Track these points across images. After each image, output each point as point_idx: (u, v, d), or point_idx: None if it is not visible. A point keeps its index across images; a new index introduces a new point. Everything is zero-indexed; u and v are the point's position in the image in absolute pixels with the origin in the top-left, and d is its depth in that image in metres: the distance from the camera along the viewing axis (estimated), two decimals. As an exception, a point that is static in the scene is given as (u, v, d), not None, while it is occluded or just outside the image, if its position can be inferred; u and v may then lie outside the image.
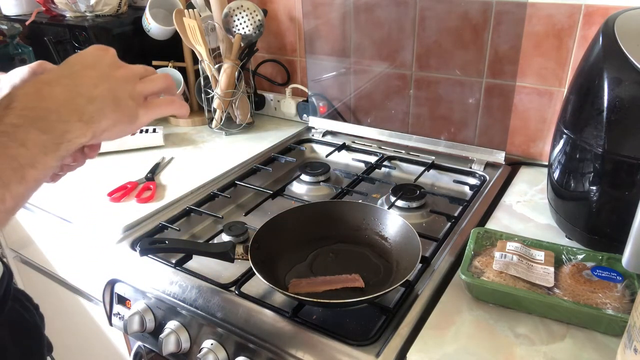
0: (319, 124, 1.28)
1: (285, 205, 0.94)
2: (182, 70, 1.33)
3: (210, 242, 0.86)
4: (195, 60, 1.30)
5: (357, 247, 0.80)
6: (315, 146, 1.24)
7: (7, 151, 0.38)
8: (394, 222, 0.81)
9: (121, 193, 0.99)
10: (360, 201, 0.91)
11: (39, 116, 0.40)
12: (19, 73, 0.59)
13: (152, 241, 0.76)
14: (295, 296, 0.67)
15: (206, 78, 1.27)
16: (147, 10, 1.24)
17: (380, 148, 1.18)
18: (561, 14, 0.93)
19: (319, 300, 0.67)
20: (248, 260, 0.72)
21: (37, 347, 0.69)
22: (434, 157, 1.10)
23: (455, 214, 0.90)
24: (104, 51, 0.50)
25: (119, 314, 0.83)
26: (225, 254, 0.74)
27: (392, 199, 0.94)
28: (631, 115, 0.64)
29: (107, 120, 0.46)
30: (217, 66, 1.23)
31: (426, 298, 0.69)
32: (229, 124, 1.29)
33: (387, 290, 0.65)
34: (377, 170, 1.10)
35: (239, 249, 0.74)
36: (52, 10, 1.32)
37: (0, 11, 1.42)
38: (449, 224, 0.88)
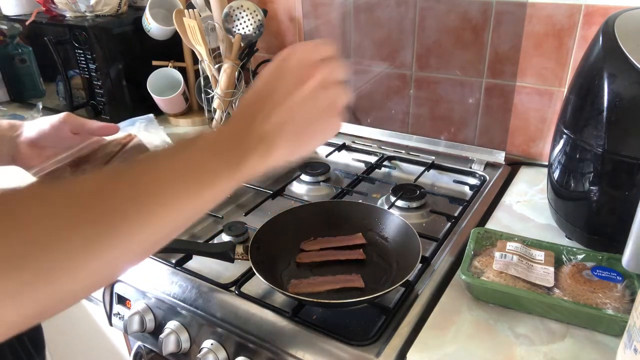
0: (319, 124, 1.27)
1: (285, 205, 0.94)
2: (182, 70, 1.33)
3: (210, 242, 0.86)
4: (195, 60, 1.30)
5: (357, 247, 0.79)
6: (315, 146, 1.24)
7: (189, 167, 0.42)
8: (394, 222, 0.81)
9: (121, 193, 0.98)
10: (360, 201, 0.91)
11: (216, 150, 0.43)
12: (48, 120, 0.65)
13: (152, 241, 0.76)
14: (295, 296, 0.67)
15: (206, 78, 1.27)
16: (147, 10, 1.24)
17: (380, 148, 1.18)
18: (561, 14, 0.93)
19: (319, 300, 0.67)
20: (248, 260, 0.72)
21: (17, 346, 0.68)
22: (434, 157, 1.10)
23: (455, 214, 0.90)
24: (284, 62, 0.48)
25: (119, 314, 0.83)
26: (225, 254, 0.74)
27: (392, 199, 0.94)
28: (631, 115, 0.64)
29: (284, 149, 0.46)
30: (217, 66, 1.23)
31: (426, 298, 0.69)
32: (229, 124, 1.28)
33: (387, 290, 0.65)
34: (377, 170, 1.10)
35: (239, 249, 0.74)
36: (52, 10, 1.32)
37: (0, 11, 1.42)
38: (449, 224, 0.88)
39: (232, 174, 0.43)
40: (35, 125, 0.66)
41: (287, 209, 0.84)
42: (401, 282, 0.66)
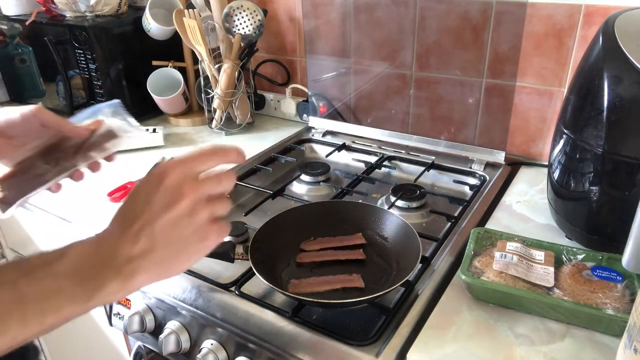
0: (319, 124, 1.28)
1: (285, 205, 0.94)
2: (182, 70, 1.33)
3: (210, 242, 0.86)
4: (195, 60, 1.30)
5: (357, 247, 0.79)
6: (315, 146, 1.24)
7: (38, 294, 0.40)
8: (394, 222, 0.80)
9: (121, 193, 0.99)
10: (360, 201, 0.91)
11: (75, 276, 0.42)
12: (18, 109, 0.62)
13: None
14: (295, 296, 0.67)
15: (206, 78, 1.27)
16: (147, 10, 1.24)
17: (380, 148, 1.18)
18: (561, 14, 0.93)
19: (319, 300, 0.67)
20: (248, 260, 0.72)
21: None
22: (434, 157, 1.10)
23: (455, 214, 0.90)
24: (161, 177, 0.45)
25: (119, 314, 0.83)
26: (225, 254, 0.74)
27: (392, 199, 0.94)
28: (631, 115, 0.64)
29: (147, 275, 0.44)
30: (217, 66, 1.23)
31: (426, 298, 0.69)
32: (229, 124, 1.29)
33: (387, 290, 0.65)
34: (377, 170, 1.10)
35: (239, 249, 0.74)
36: (52, 10, 1.32)
37: (0, 11, 1.42)
38: (449, 224, 0.88)
39: (86, 302, 0.42)
40: (5, 113, 0.63)
41: (287, 209, 0.84)
42: (401, 282, 0.66)
